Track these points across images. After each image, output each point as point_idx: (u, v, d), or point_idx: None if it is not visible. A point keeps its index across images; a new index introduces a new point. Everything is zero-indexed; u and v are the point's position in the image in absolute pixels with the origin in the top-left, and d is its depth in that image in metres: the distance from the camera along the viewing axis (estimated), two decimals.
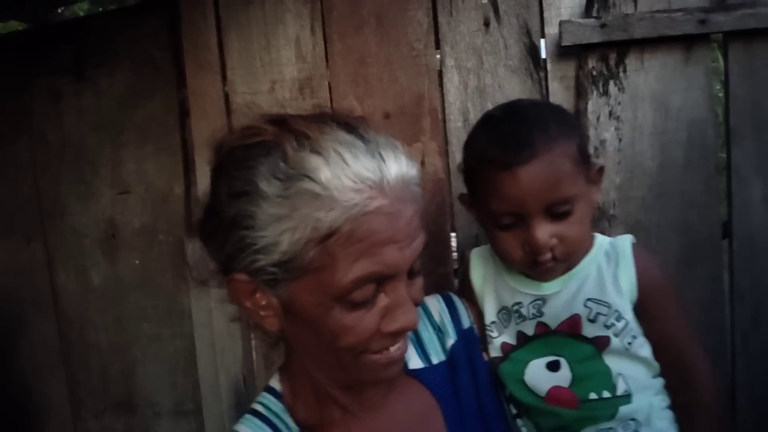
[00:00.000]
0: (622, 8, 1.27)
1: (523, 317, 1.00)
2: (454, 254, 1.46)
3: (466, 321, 1.04)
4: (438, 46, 1.39)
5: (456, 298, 1.08)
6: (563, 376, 0.96)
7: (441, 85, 1.40)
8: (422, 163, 1.41)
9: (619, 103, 1.30)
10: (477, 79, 1.38)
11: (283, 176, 0.75)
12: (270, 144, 0.78)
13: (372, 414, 0.92)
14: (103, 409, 1.57)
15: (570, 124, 0.97)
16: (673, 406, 0.99)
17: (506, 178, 0.89)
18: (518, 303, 1.01)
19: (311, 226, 0.73)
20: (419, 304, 0.85)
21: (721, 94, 1.37)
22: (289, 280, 0.77)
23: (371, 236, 0.74)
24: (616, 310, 0.94)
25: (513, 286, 1.02)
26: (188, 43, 1.44)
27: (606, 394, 0.95)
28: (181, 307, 1.50)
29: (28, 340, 1.59)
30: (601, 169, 0.99)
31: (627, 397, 0.95)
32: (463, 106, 1.39)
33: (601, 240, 1.01)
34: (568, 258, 0.94)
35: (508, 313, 1.02)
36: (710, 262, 1.31)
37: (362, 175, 0.74)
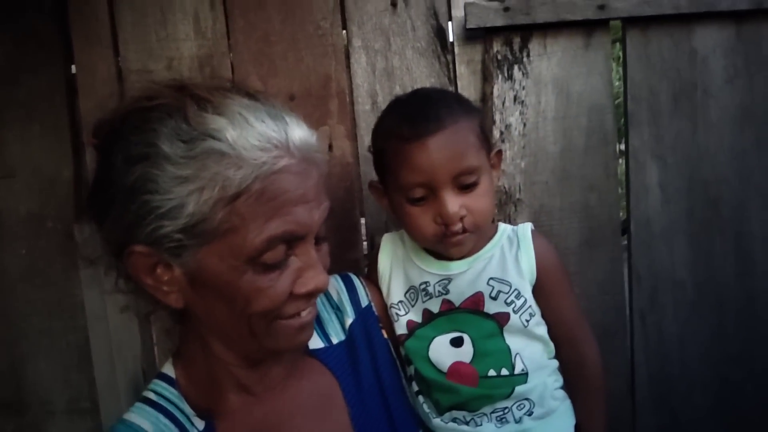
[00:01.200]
0: None
1: (429, 295, 1.04)
2: (364, 240, 1.43)
3: (364, 299, 1.06)
4: (345, 25, 1.35)
5: (354, 278, 1.09)
6: (465, 352, 1.01)
7: (348, 66, 1.36)
8: (330, 147, 1.37)
9: (524, 88, 1.31)
10: (385, 61, 1.35)
11: (187, 137, 0.73)
12: (170, 106, 0.74)
13: (273, 395, 0.90)
14: None
15: (471, 106, 1.04)
16: (564, 383, 1.05)
17: (416, 150, 0.94)
18: (425, 282, 1.05)
19: (219, 185, 0.71)
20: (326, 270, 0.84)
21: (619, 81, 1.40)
22: (196, 246, 0.74)
23: (282, 195, 0.74)
24: (516, 289, 1.01)
25: (421, 266, 1.06)
26: (75, 15, 1.33)
27: (504, 371, 1.00)
28: (73, 299, 1.39)
29: None
30: (499, 153, 1.05)
31: (524, 377, 1.00)
32: (371, 88, 1.36)
33: (504, 227, 1.09)
34: (476, 229, 0.99)
35: (415, 292, 1.06)
36: (610, 244, 1.34)
37: (268, 134, 0.74)
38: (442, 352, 1.02)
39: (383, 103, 1.35)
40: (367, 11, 1.34)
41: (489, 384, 1.00)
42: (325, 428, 0.91)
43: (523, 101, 1.31)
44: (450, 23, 1.34)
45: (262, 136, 0.74)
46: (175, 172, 0.73)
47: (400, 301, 1.07)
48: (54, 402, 1.45)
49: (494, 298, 1.01)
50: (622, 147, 1.47)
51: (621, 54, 1.32)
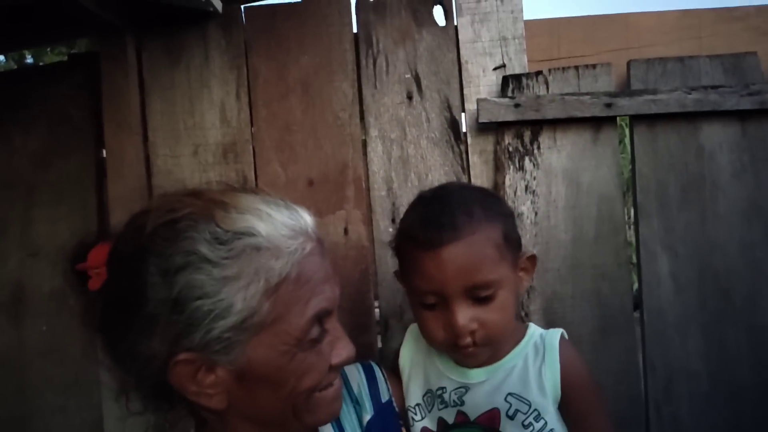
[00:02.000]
0: (534, 89, 1.33)
1: (445, 403, 0.99)
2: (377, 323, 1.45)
3: (385, 394, 1.03)
4: (362, 116, 1.41)
5: (377, 368, 1.07)
6: None
7: (365, 154, 1.42)
8: (345, 231, 1.41)
9: (534, 178, 1.35)
10: (400, 150, 1.40)
11: (224, 238, 0.76)
12: (196, 214, 0.77)
13: None
14: None
15: (497, 210, 0.97)
16: None
17: (428, 258, 0.90)
18: (442, 388, 0.99)
19: (263, 278, 0.76)
20: None
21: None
22: (245, 342, 0.77)
23: (313, 276, 0.79)
24: (536, 409, 0.93)
25: (441, 369, 1.01)
26: (108, 102, 1.41)
27: None
28: (90, 378, 1.41)
29: None
30: (533, 258, 0.99)
31: None
32: (386, 175, 1.41)
33: (532, 331, 1.00)
34: (489, 344, 0.93)
35: (432, 396, 1.01)
36: (623, 333, 1.35)
37: (290, 224, 0.80)
38: None
39: (398, 189, 1.40)
40: (384, 103, 1.40)
41: None
42: None
43: (534, 191, 1.35)
44: (463, 115, 1.40)
45: (286, 226, 0.79)
46: (220, 273, 0.75)
47: (417, 404, 1.02)
48: None
49: (511, 418, 0.93)
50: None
51: (629, 146, 1.37)
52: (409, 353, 1.07)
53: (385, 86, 1.40)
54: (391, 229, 1.40)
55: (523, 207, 1.35)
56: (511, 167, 1.36)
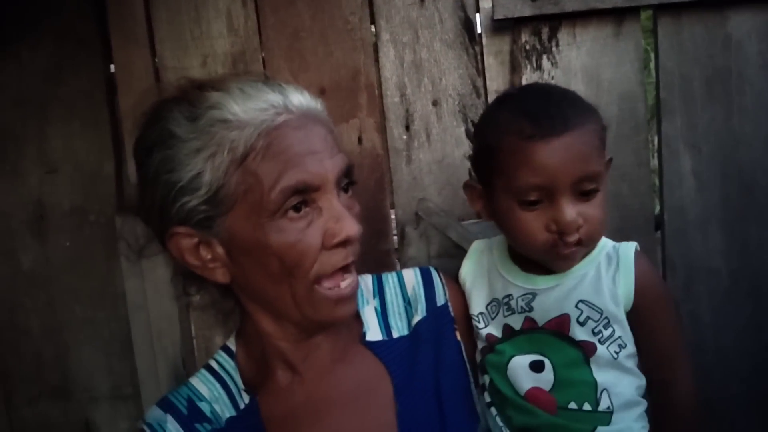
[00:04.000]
0: None
1: (512, 310, 0.97)
2: (394, 233, 1.45)
3: (441, 298, 1.03)
4: (373, 20, 1.37)
5: (434, 273, 1.06)
6: (545, 379, 0.93)
7: (377, 60, 1.38)
8: (359, 140, 1.39)
9: (552, 78, 1.31)
10: (413, 54, 1.36)
11: (192, 115, 0.80)
12: (176, 97, 0.83)
13: (320, 378, 0.92)
14: (38, 396, 1.52)
15: (593, 108, 0.95)
16: (651, 417, 0.96)
17: (540, 149, 0.86)
18: (509, 295, 0.98)
19: (227, 148, 0.77)
20: (359, 231, 0.85)
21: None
22: (222, 214, 0.80)
23: (289, 148, 0.78)
24: (606, 318, 0.91)
25: (507, 277, 0.99)
26: (113, 14, 1.38)
27: (587, 406, 0.91)
28: (115, 290, 1.45)
29: None
30: (610, 161, 0.97)
31: (608, 416, 0.91)
32: (399, 81, 1.37)
33: (604, 242, 0.97)
34: (591, 242, 0.92)
35: (498, 304, 0.99)
36: (643, 233, 1.33)
37: (266, 98, 0.80)
38: (521, 374, 0.94)
39: (411, 95, 1.37)
40: (395, 5, 1.35)
41: (569, 416, 0.91)
42: (366, 420, 0.91)
43: None
44: (477, 15, 1.35)
45: (260, 100, 0.80)
46: (187, 147, 0.79)
47: (481, 313, 1.01)
48: (97, 388, 1.51)
49: (582, 324, 0.91)
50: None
51: (653, 41, 1.31)
52: (472, 266, 1.05)
53: None
54: (405, 137, 1.38)
55: None
56: (528, 67, 1.31)
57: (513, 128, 0.89)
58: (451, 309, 1.02)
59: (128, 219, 1.26)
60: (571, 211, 0.87)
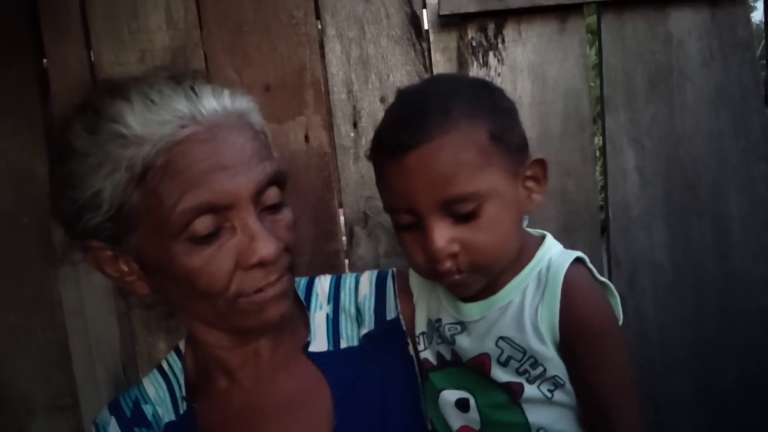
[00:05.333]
0: None
1: (441, 338, 0.88)
2: (343, 233, 1.43)
3: (392, 311, 0.96)
4: (318, 14, 1.34)
5: (390, 283, 0.99)
6: (472, 419, 0.84)
7: (323, 55, 1.35)
8: (306, 138, 1.36)
9: (499, 74, 1.30)
10: (359, 50, 1.34)
11: (92, 127, 0.75)
12: (82, 104, 0.78)
13: (258, 386, 0.90)
14: None
15: (486, 105, 0.78)
16: None
17: (394, 167, 0.75)
18: (439, 320, 0.88)
19: (125, 166, 0.72)
20: (289, 243, 0.80)
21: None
22: (128, 233, 0.76)
23: (192, 166, 0.71)
24: (532, 356, 0.78)
25: (442, 298, 0.89)
26: (45, 6, 1.31)
27: None
28: (50, 296, 1.38)
29: None
30: (539, 163, 0.81)
31: None
32: (346, 77, 1.35)
33: (541, 255, 0.82)
34: (479, 271, 0.78)
35: (432, 328, 0.91)
36: (588, 229, 1.34)
37: (170, 108, 0.73)
38: (449, 411, 0.86)
39: (359, 91, 1.35)
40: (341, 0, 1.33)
41: None
42: None
43: None
44: (425, 11, 1.33)
45: (164, 110, 0.73)
46: (86, 163, 0.75)
47: (423, 332, 0.91)
48: (34, 399, 1.43)
49: (503, 364, 0.80)
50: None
51: (596, 38, 1.32)
52: (417, 278, 0.94)
53: None
54: (352, 134, 1.36)
55: None
56: (475, 63, 1.30)
57: (377, 140, 0.80)
58: (403, 322, 0.96)
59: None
60: (439, 237, 0.74)
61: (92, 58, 1.34)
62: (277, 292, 0.80)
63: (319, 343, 0.94)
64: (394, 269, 1.05)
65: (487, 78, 1.30)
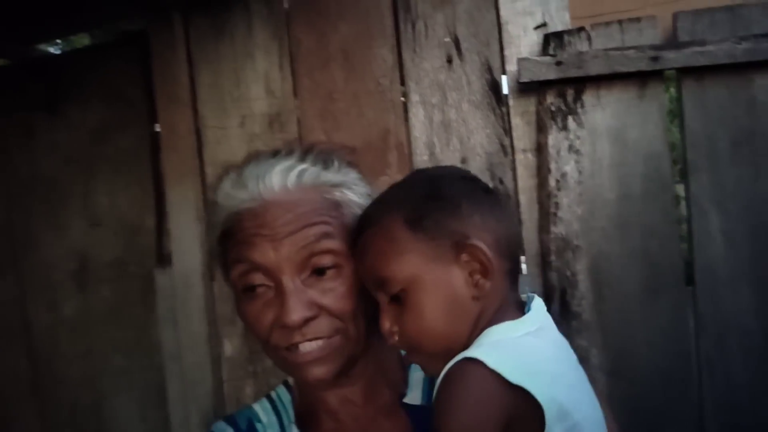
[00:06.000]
0: (576, 46, 1.32)
1: None
2: None
3: None
4: (403, 82, 1.43)
5: None
6: None
7: (406, 120, 1.43)
8: None
9: (578, 138, 1.34)
10: (441, 114, 1.41)
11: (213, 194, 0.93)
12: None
13: (360, 429, 0.93)
14: None
15: (416, 195, 0.78)
16: None
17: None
18: None
19: (217, 227, 0.90)
20: (336, 310, 0.84)
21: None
22: (228, 278, 0.91)
23: (241, 231, 0.85)
24: None
25: None
26: (159, 77, 1.47)
27: None
28: (150, 340, 1.50)
29: None
30: (472, 249, 0.74)
31: None
32: (428, 140, 1.42)
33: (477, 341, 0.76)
34: (414, 351, 0.80)
35: None
36: (673, 291, 1.33)
37: (243, 183, 0.88)
38: None
39: (440, 153, 1.41)
40: (424, 68, 1.41)
41: None
42: None
43: (578, 150, 1.34)
44: (504, 77, 1.40)
45: (239, 188, 0.88)
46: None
47: None
48: None
49: None
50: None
51: (677, 102, 1.34)
52: None
53: (425, 50, 1.40)
54: None
55: (567, 167, 1.34)
56: (554, 127, 1.35)
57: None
58: None
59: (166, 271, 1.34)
60: (385, 318, 0.79)
61: (198, 123, 1.48)
62: (310, 357, 0.85)
63: (413, 395, 0.98)
64: None
65: (566, 141, 1.34)
